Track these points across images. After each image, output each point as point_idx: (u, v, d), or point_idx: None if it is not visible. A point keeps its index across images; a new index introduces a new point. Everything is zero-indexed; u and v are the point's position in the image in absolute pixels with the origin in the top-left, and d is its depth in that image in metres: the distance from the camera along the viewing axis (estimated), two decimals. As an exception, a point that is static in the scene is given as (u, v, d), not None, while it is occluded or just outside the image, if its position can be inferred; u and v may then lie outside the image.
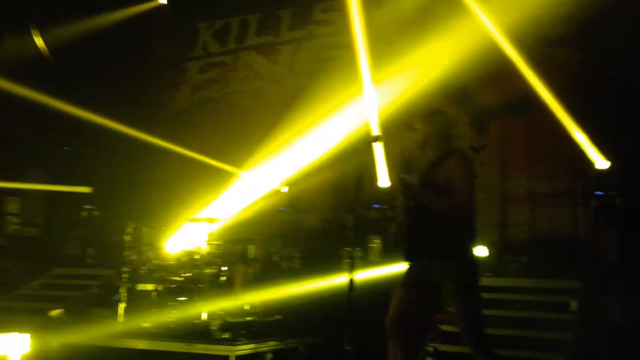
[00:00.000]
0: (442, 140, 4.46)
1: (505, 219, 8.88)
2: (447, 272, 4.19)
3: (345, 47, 10.49)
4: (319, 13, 10.88)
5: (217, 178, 10.16)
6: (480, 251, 7.76)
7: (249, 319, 7.30)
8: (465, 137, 9.41)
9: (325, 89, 9.86)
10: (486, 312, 7.00)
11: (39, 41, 10.64)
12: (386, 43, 9.60)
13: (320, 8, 10.86)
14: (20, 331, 6.16)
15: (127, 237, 8.19)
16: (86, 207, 10.70)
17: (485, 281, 7.69)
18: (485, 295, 7.44)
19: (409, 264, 4.39)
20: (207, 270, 7.60)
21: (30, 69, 10.27)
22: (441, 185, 4.23)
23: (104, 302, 8.33)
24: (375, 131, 8.91)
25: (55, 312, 7.88)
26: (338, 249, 7.52)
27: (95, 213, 10.58)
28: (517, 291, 7.41)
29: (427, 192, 4.24)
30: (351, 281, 4.30)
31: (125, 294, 7.52)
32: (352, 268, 4.40)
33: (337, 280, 6.91)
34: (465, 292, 4.21)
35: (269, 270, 8.52)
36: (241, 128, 10.82)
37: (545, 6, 8.06)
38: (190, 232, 8.62)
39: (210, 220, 7.92)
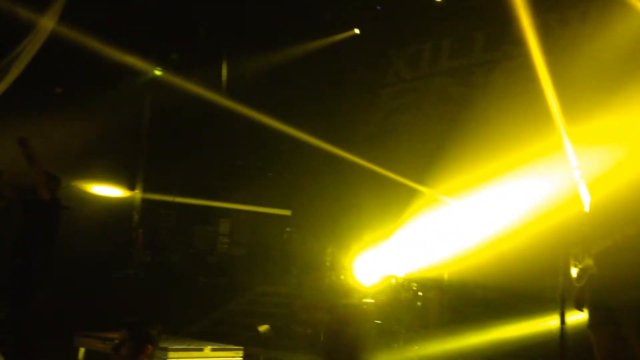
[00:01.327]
0: None
1: None
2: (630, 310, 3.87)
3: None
4: (516, 32, 10.52)
5: (413, 202, 10.21)
6: None
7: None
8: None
9: (523, 111, 9.51)
10: None
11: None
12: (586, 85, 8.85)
13: (517, 27, 10.51)
14: (233, 344, 6.70)
15: (326, 259, 8.56)
16: (287, 229, 11.34)
17: None
18: None
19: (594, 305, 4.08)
20: (404, 295, 7.64)
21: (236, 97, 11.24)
22: None
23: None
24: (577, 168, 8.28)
25: (263, 328, 8.42)
26: (543, 281, 7.11)
27: (295, 235, 11.16)
28: None
29: None
30: (562, 324, 4.01)
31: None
32: (563, 308, 4.12)
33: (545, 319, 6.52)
34: None
35: (464, 298, 8.31)
36: (434, 152, 10.77)
37: None
38: (386, 256, 8.75)
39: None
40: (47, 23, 7.20)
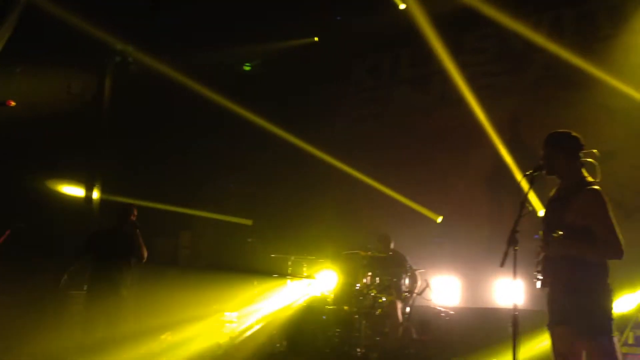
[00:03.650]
0: (564, 172, 4.15)
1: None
2: (572, 308, 3.96)
3: (499, 74, 10.23)
4: (473, 41, 10.69)
5: (374, 212, 10.25)
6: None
7: (407, 351, 7.21)
8: (637, 162, 8.71)
9: (478, 119, 9.65)
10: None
11: None
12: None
13: (473, 37, 10.68)
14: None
15: (288, 269, 8.53)
16: (249, 239, 11.25)
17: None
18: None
19: (548, 299, 4.18)
20: (364, 302, 7.63)
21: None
22: (574, 225, 3.94)
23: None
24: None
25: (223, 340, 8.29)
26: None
27: (258, 245, 11.07)
28: None
29: (571, 243, 3.97)
30: (514, 315, 4.06)
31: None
32: (513, 299, 4.19)
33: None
34: (586, 334, 3.93)
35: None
36: (396, 162, 10.85)
37: None
38: (346, 265, 8.75)
39: (364, 251, 7.98)
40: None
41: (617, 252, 3.95)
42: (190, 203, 11.39)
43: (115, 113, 10.71)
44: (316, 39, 11.78)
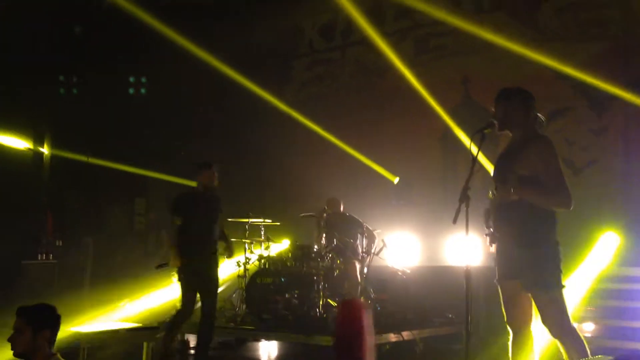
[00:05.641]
0: (520, 124, 4.20)
1: (630, 205, 8.34)
2: (523, 262, 4.06)
3: (451, 34, 10.28)
4: (424, 1, 10.68)
5: (329, 175, 10.28)
6: (610, 239, 7.40)
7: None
8: (584, 119, 8.99)
9: (432, 78, 9.75)
10: (621, 303, 6.75)
11: None
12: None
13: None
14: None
15: (246, 233, 8.52)
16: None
17: (618, 271, 7.36)
18: (618, 286, 7.14)
19: (498, 253, 4.26)
20: (322, 264, 7.72)
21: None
22: (525, 175, 4.00)
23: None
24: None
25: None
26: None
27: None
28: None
29: (530, 189, 4.02)
30: (467, 270, 4.15)
31: (244, 288, 7.82)
32: (467, 256, 4.27)
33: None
34: (536, 287, 4.04)
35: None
36: (350, 123, 10.88)
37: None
38: (303, 227, 8.80)
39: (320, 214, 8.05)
40: None
41: (567, 202, 4.04)
42: (143, 163, 11.01)
43: (69, 61, 10.03)
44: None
